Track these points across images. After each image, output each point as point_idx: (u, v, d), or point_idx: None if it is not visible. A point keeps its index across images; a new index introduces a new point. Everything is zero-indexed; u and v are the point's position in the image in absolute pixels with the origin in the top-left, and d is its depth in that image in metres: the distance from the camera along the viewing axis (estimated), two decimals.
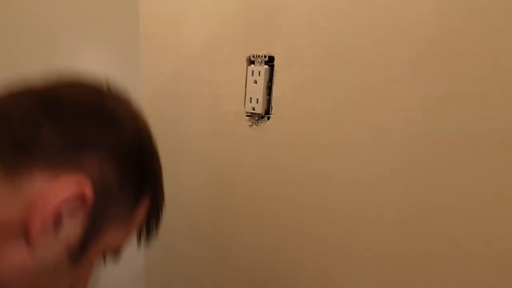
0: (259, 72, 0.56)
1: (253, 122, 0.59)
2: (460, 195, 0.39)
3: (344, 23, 0.46)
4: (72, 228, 0.27)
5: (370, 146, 0.45)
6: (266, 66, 0.55)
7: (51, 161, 0.27)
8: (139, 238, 0.38)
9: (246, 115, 0.60)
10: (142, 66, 0.80)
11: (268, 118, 0.57)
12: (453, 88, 0.38)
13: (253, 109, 0.58)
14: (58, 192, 0.26)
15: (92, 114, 0.30)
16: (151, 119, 0.83)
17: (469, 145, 0.37)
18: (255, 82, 0.57)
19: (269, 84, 0.56)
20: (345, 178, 0.48)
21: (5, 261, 0.26)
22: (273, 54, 0.55)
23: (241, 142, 0.62)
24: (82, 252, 0.29)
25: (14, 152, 0.26)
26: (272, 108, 0.56)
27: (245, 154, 0.62)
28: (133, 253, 0.88)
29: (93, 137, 0.29)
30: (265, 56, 0.55)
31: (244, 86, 0.59)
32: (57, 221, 0.26)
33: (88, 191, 0.27)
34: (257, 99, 0.57)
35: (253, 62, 0.58)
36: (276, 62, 0.55)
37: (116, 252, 0.35)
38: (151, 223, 0.39)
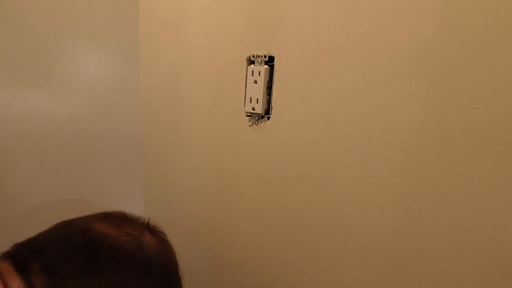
0: (259, 72, 0.56)
1: (253, 122, 0.59)
2: (460, 195, 0.39)
3: (344, 23, 0.46)
4: None
5: (370, 146, 0.45)
6: (266, 66, 0.55)
7: None
8: None
9: (246, 115, 0.60)
10: (142, 66, 0.80)
11: (268, 118, 0.57)
12: (453, 88, 0.38)
13: (253, 109, 0.58)
14: None
15: (129, 264, 0.35)
16: (151, 119, 0.83)
17: (469, 145, 0.37)
18: (255, 82, 0.57)
19: (269, 84, 0.56)
20: (345, 178, 0.48)
21: None
22: (273, 54, 0.55)
23: (241, 142, 0.62)
24: None
25: None
26: (272, 108, 0.56)
27: (245, 154, 0.62)
28: None
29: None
30: (265, 56, 0.55)
31: (244, 86, 0.59)
32: None
33: None
34: (257, 99, 0.57)
35: (253, 62, 0.58)
36: (276, 62, 0.55)
37: None
38: None
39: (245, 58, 0.58)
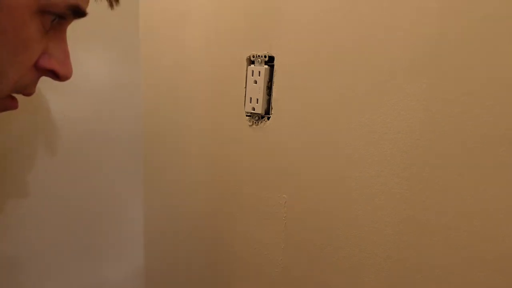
0: (259, 72, 0.56)
1: (253, 122, 0.59)
2: (460, 195, 0.39)
3: (344, 23, 0.46)
4: None
5: (370, 146, 0.45)
6: (266, 66, 0.55)
7: None
8: None
9: (246, 115, 0.60)
10: (142, 66, 0.80)
11: (268, 118, 0.57)
12: (453, 88, 0.38)
13: (253, 109, 0.58)
14: None
15: None
16: (151, 119, 0.83)
17: (469, 145, 0.37)
18: (255, 82, 0.57)
19: (269, 84, 0.56)
20: (345, 178, 0.48)
21: None
22: (273, 54, 0.55)
23: (241, 142, 0.62)
24: None
25: None
26: (272, 108, 0.56)
27: (245, 154, 0.62)
28: (133, 253, 0.88)
29: None
30: (265, 56, 0.55)
31: (244, 86, 0.59)
32: None
33: None
34: (257, 99, 0.57)
35: (253, 62, 0.58)
36: (276, 62, 0.55)
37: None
38: None
39: (245, 58, 0.58)
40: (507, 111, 0.35)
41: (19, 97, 0.35)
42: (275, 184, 0.58)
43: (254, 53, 0.57)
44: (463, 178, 0.38)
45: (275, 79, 0.55)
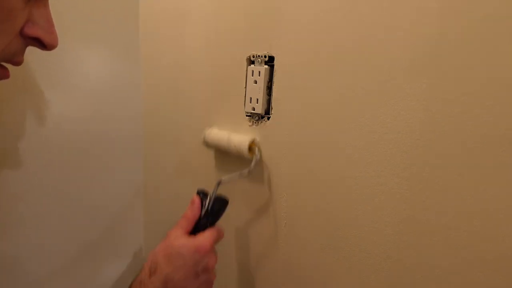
0: (259, 72, 0.56)
1: (253, 122, 0.59)
2: (460, 195, 0.39)
3: (344, 23, 0.46)
4: None
5: (370, 146, 0.45)
6: (266, 66, 0.55)
7: None
8: None
9: (246, 115, 0.60)
10: (142, 66, 0.80)
11: (268, 118, 0.57)
12: (453, 88, 0.38)
13: (253, 109, 0.58)
14: None
15: None
16: (151, 119, 0.83)
17: (469, 145, 0.37)
18: (255, 82, 0.57)
19: (269, 84, 0.56)
20: (345, 178, 0.48)
21: None
22: (273, 54, 0.55)
23: None
24: None
25: None
26: (272, 108, 0.56)
27: None
28: (133, 253, 0.88)
29: None
30: (265, 56, 0.55)
31: (244, 86, 0.59)
32: None
33: None
34: (257, 99, 0.57)
35: (253, 62, 0.58)
36: (276, 62, 0.55)
37: None
38: None
39: (245, 58, 0.58)
40: (507, 111, 0.35)
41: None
42: (275, 184, 0.58)
43: (254, 53, 0.57)
44: (463, 178, 0.38)
45: (275, 79, 0.55)
